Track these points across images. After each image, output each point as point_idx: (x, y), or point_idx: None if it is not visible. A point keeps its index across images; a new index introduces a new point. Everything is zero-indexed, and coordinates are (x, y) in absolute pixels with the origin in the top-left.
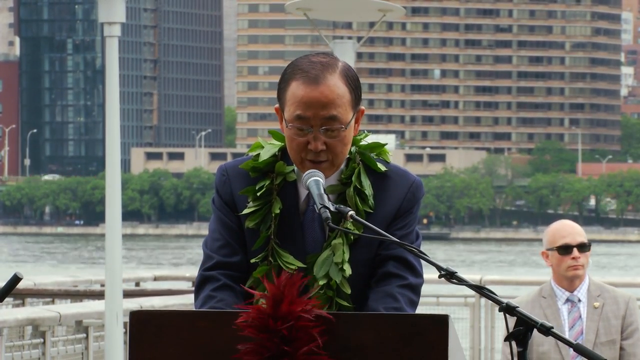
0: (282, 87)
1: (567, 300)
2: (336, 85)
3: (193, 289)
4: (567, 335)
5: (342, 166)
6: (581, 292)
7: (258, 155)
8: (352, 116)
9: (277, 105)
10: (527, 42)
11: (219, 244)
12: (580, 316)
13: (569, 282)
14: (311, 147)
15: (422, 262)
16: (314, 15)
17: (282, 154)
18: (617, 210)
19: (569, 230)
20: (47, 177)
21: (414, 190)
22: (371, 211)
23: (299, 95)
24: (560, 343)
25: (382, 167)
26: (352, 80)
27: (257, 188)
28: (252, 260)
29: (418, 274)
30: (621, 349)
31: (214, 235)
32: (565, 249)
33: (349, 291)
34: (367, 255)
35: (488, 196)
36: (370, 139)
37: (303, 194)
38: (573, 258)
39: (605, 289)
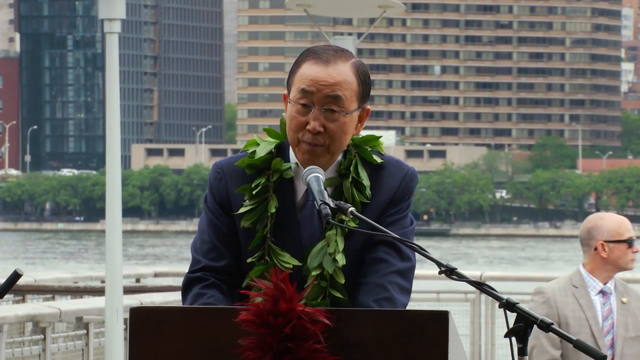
0: (293, 70)
1: (600, 291)
2: (345, 72)
3: None
4: (601, 327)
5: (340, 158)
6: (612, 286)
7: (254, 152)
8: (356, 107)
9: (285, 92)
10: (528, 39)
11: (207, 247)
12: (612, 309)
13: (609, 274)
14: (309, 127)
15: (424, 258)
16: (314, 12)
17: (278, 151)
18: (617, 206)
19: (629, 225)
20: (55, 173)
21: (408, 180)
22: (367, 202)
23: (307, 73)
24: (595, 334)
25: (378, 159)
26: (362, 75)
27: (253, 186)
28: (249, 260)
29: (406, 258)
30: None
31: (203, 237)
32: (631, 243)
33: (342, 281)
34: (361, 244)
35: (489, 192)
36: (364, 133)
37: (300, 190)
38: (634, 252)
39: (627, 286)
